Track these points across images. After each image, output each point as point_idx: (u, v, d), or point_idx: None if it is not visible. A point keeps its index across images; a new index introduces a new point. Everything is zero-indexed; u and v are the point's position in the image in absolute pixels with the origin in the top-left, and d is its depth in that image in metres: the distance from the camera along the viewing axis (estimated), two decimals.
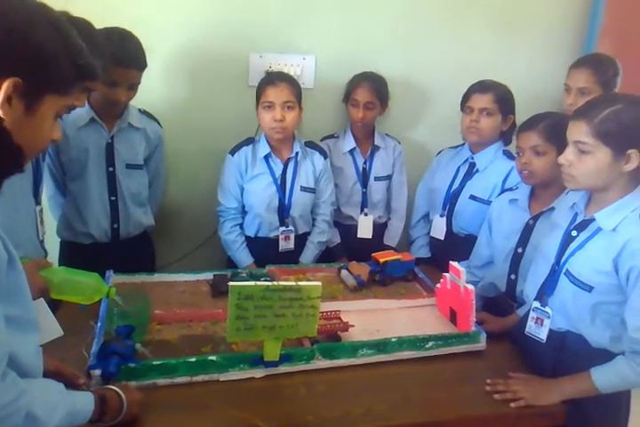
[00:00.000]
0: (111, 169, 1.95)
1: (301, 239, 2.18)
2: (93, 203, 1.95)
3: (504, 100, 2.03)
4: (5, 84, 0.76)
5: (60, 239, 2.04)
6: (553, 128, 1.63)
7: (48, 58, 0.80)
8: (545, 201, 1.72)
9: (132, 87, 1.84)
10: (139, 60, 1.81)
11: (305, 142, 2.17)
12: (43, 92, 0.82)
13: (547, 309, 1.44)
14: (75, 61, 0.84)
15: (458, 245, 2.08)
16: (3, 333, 0.81)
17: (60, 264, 1.99)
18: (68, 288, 1.22)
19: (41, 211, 1.65)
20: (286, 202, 2.11)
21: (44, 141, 0.87)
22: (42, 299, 1.14)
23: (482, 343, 1.52)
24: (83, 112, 1.89)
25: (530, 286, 1.53)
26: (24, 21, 0.78)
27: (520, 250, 1.75)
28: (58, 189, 2.01)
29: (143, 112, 2.06)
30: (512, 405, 1.31)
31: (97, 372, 1.22)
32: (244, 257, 2.11)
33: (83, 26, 1.45)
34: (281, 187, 2.10)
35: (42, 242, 1.69)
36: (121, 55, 1.74)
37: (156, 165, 2.13)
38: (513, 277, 1.77)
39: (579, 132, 1.31)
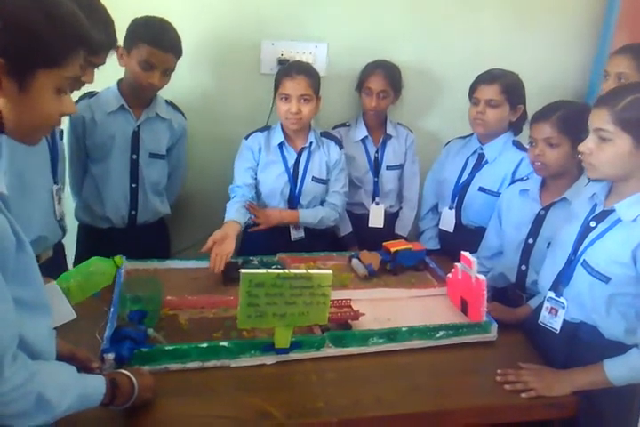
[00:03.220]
0: (135, 157, 1.97)
1: (312, 228, 2.17)
2: (114, 188, 1.98)
3: (512, 90, 1.99)
4: None
5: (77, 223, 2.05)
6: (567, 119, 1.61)
7: (29, 32, 0.78)
8: (556, 192, 1.70)
9: (167, 73, 1.86)
10: (177, 46, 1.85)
11: (321, 132, 2.16)
12: (32, 68, 0.80)
13: (561, 299, 1.43)
14: (62, 32, 0.81)
15: (467, 238, 2.05)
16: (12, 314, 0.81)
17: (77, 247, 2.00)
18: (92, 282, 1.25)
19: (59, 190, 1.65)
20: (296, 192, 2.11)
21: (50, 117, 0.86)
22: (54, 282, 1.15)
23: (493, 334, 1.52)
24: (112, 98, 1.92)
25: (545, 276, 1.52)
26: None
27: (531, 241, 1.73)
28: (80, 170, 2.01)
29: (169, 103, 2.08)
30: (523, 395, 1.31)
31: (110, 356, 1.23)
32: (229, 212, 1.92)
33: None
34: (293, 177, 2.09)
35: (60, 221, 1.69)
36: (161, 39, 1.78)
37: (177, 156, 2.14)
38: (524, 267, 1.76)
39: (600, 119, 1.30)
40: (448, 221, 2.17)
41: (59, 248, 1.76)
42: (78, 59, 0.86)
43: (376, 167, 2.33)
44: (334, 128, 2.35)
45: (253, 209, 2.00)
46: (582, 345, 1.40)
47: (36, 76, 0.80)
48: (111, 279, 1.37)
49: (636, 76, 1.96)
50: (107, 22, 1.51)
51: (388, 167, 2.35)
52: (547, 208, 1.71)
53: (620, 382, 1.30)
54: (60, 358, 1.04)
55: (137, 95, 1.93)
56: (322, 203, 2.19)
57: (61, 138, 1.73)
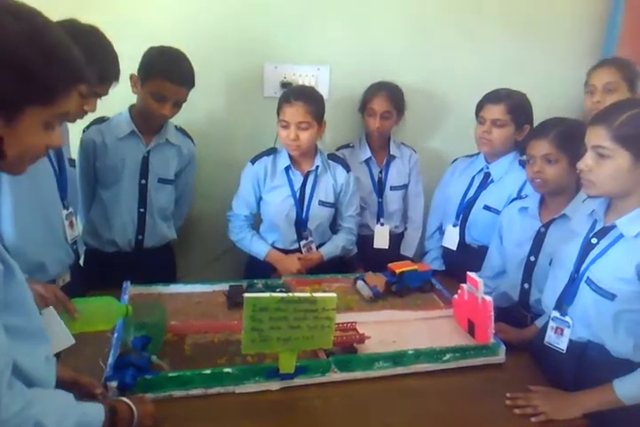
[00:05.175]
0: (144, 182, 2.00)
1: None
2: (122, 212, 2.00)
3: (518, 110, 2.00)
4: None
5: (84, 247, 2.06)
6: (564, 136, 1.62)
7: (23, 71, 0.77)
8: (555, 208, 1.70)
9: (178, 104, 1.90)
10: (189, 79, 1.88)
11: (328, 155, 2.16)
12: (21, 105, 0.79)
13: (566, 318, 1.41)
14: (57, 73, 0.81)
15: (471, 257, 2.05)
16: (4, 342, 0.81)
17: (83, 271, 1.99)
18: (96, 318, 1.25)
19: (69, 214, 1.67)
20: (304, 216, 2.11)
21: (36, 149, 0.85)
22: (51, 307, 1.14)
23: (501, 356, 1.49)
24: (124, 123, 1.96)
25: (548, 296, 1.51)
26: None
27: (533, 258, 1.73)
28: (88, 195, 2.04)
29: (179, 129, 2.11)
30: (533, 419, 1.28)
31: (113, 383, 1.22)
32: (259, 248, 2.10)
33: (85, 33, 1.48)
34: (299, 200, 2.09)
35: (73, 244, 1.71)
36: (174, 72, 1.82)
37: (185, 181, 2.17)
38: (526, 286, 1.74)
39: (598, 136, 1.30)
40: (452, 239, 2.16)
41: (76, 273, 1.76)
42: (71, 96, 0.85)
43: (380, 188, 2.34)
44: (338, 149, 2.36)
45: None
46: (590, 364, 1.38)
47: (25, 113, 0.80)
48: (112, 325, 1.37)
49: (624, 86, 1.98)
50: (111, 56, 1.55)
51: (392, 188, 2.35)
52: (547, 225, 1.71)
53: (631, 401, 1.27)
54: (62, 384, 1.03)
55: (148, 122, 1.96)
56: (331, 227, 2.19)
57: (72, 165, 1.76)
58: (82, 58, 0.86)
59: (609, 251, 1.34)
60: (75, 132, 1.85)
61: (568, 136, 1.61)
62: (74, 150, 1.89)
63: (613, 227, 1.35)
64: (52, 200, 1.62)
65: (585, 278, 1.37)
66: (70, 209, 1.68)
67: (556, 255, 1.54)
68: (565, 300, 1.42)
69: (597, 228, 1.40)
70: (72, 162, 1.76)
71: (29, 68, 0.78)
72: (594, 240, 1.39)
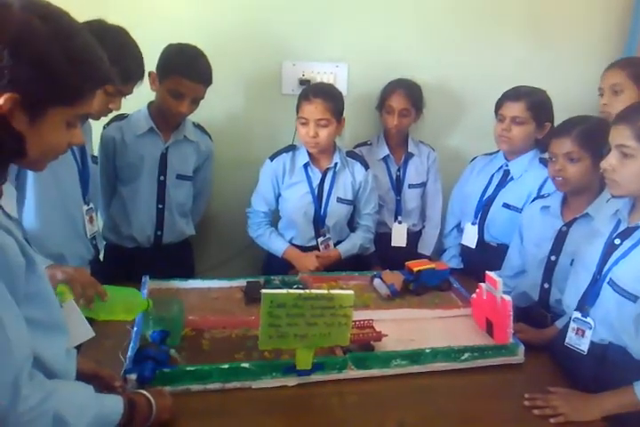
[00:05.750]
0: (162, 178, 2.02)
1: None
2: (141, 209, 2.02)
3: (538, 107, 1.97)
4: (1, 101, 0.75)
5: (104, 242, 2.08)
6: (587, 134, 1.60)
7: (48, 72, 0.78)
8: (577, 208, 1.68)
9: (196, 101, 1.91)
10: (207, 76, 1.90)
11: (347, 152, 2.16)
12: (45, 105, 0.80)
13: (588, 319, 1.40)
14: (81, 75, 0.82)
15: (489, 255, 2.03)
16: (25, 334, 0.82)
17: (103, 266, 2.02)
18: (119, 308, 1.27)
19: (90, 210, 1.70)
20: (322, 212, 2.11)
21: (59, 147, 0.87)
22: (72, 300, 1.16)
23: (520, 356, 1.48)
24: (142, 120, 1.98)
25: (570, 296, 1.49)
26: (17, 36, 0.75)
27: (553, 258, 1.70)
28: (108, 191, 2.06)
29: (197, 126, 2.12)
30: (552, 421, 1.26)
31: (133, 376, 1.23)
32: (278, 245, 2.11)
33: (113, 33, 1.50)
34: (317, 197, 2.10)
35: (92, 239, 1.74)
36: (192, 69, 1.84)
37: (203, 177, 2.18)
38: (546, 285, 1.72)
39: (621, 135, 1.29)
40: (470, 237, 2.14)
41: (96, 268, 1.78)
42: (95, 97, 0.87)
43: (398, 186, 2.33)
44: (355, 147, 2.36)
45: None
46: (611, 366, 1.36)
47: (48, 112, 0.81)
48: (133, 317, 1.39)
49: (631, 85, 1.94)
50: (137, 56, 1.57)
51: (411, 186, 2.34)
52: (568, 224, 1.69)
53: None
54: (82, 376, 1.04)
55: (166, 119, 1.98)
56: (348, 224, 2.19)
57: (95, 162, 1.79)
58: (106, 59, 0.87)
59: (632, 252, 1.32)
60: (97, 128, 1.88)
61: (591, 135, 1.59)
62: (96, 147, 1.92)
63: (638, 227, 1.33)
64: (74, 196, 1.65)
65: (607, 280, 1.35)
66: (91, 205, 1.71)
67: (578, 255, 1.52)
68: (587, 301, 1.41)
69: (621, 228, 1.38)
70: (94, 159, 1.79)
71: (55, 69, 0.79)
72: (617, 241, 1.37)
